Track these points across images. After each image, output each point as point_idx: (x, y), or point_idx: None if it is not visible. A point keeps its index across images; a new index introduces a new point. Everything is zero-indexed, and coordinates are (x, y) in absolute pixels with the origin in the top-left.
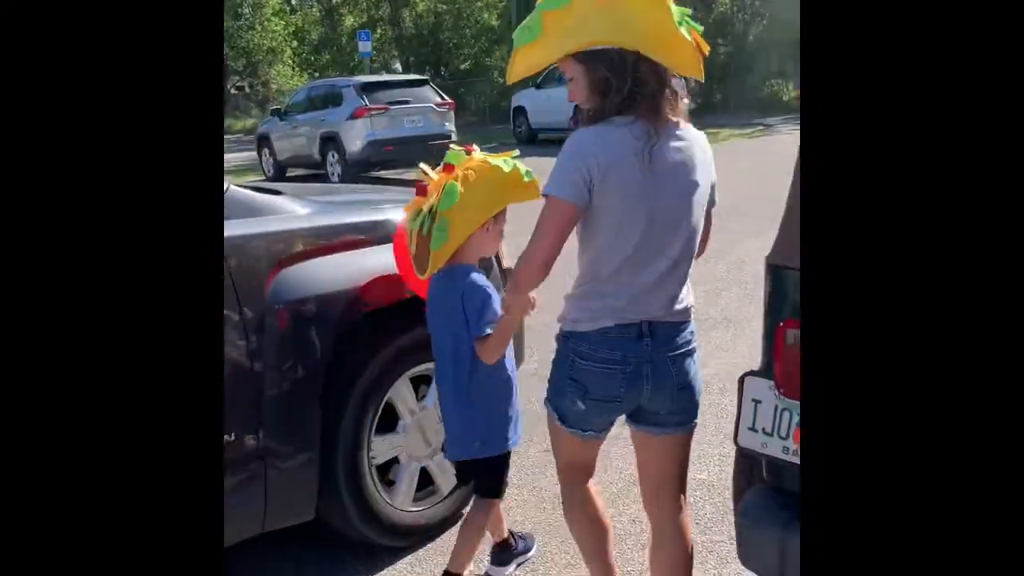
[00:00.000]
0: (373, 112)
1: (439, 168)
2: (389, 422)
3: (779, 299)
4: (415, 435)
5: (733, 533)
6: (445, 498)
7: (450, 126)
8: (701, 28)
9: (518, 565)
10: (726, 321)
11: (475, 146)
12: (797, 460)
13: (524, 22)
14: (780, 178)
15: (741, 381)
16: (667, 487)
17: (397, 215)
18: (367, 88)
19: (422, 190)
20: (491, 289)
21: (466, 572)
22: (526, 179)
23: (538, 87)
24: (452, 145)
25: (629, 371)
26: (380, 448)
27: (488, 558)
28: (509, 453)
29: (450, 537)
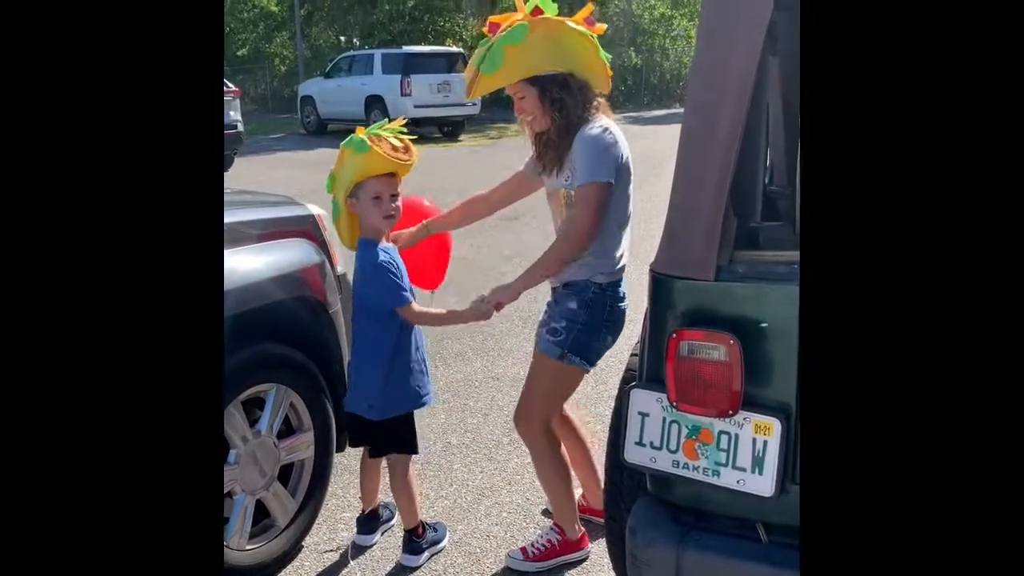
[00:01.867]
0: None
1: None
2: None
3: (663, 309)
4: (249, 465)
5: None
6: (283, 531)
7: (235, 115)
8: (609, 57)
9: (431, 555)
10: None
11: (363, 128)
12: (688, 473)
13: (487, 53)
14: None
15: (626, 394)
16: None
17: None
18: None
19: None
20: (382, 257)
21: (420, 520)
22: (357, 151)
23: (327, 76)
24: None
25: (627, 305)
26: None
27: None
28: (403, 417)
29: (295, 572)
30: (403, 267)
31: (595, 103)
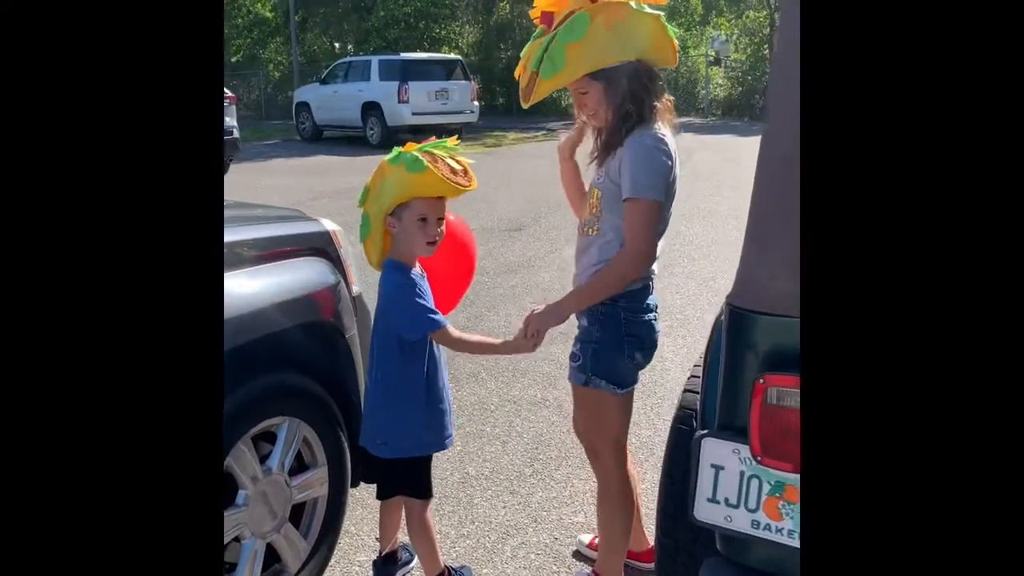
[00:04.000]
0: None
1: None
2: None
3: (743, 348)
4: (259, 507)
5: None
6: None
7: (231, 121)
8: (677, 32)
9: None
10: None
11: (413, 144)
12: (769, 535)
13: (544, 53)
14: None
15: (697, 443)
16: None
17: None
18: None
19: None
20: (408, 280)
21: (444, 566)
22: (411, 170)
23: (323, 82)
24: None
25: (657, 318)
26: None
27: None
28: (419, 459)
29: None
30: (430, 294)
31: (662, 100)
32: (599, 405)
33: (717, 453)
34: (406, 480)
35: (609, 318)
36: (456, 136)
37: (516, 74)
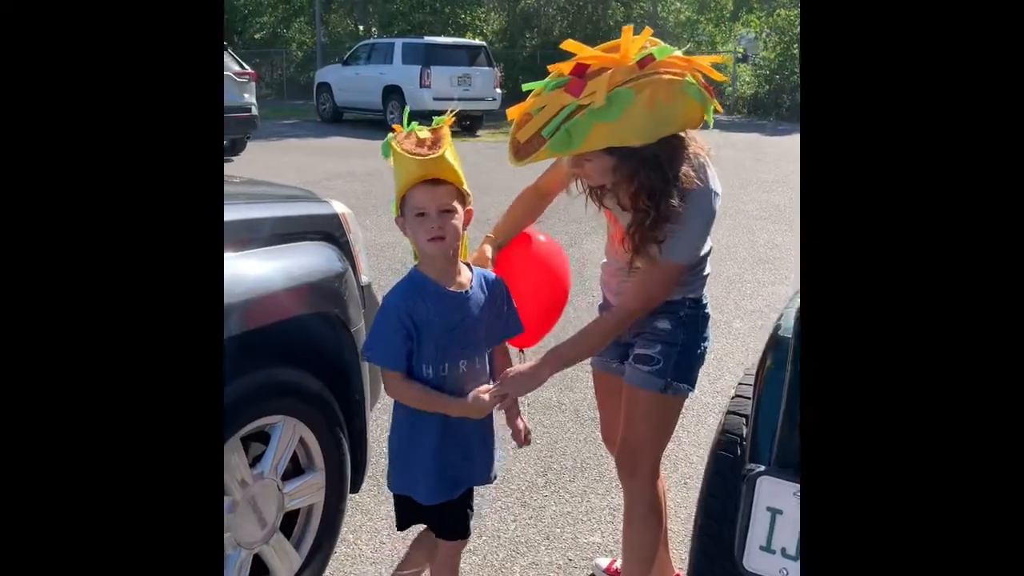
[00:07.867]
0: None
1: None
2: None
3: None
4: (246, 514)
5: None
6: None
7: (250, 98)
8: (716, 113)
9: None
10: None
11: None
12: None
13: (563, 123)
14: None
15: (751, 482)
16: None
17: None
18: None
19: None
20: (392, 297)
21: None
22: (384, 158)
23: (345, 63)
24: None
25: None
26: None
27: None
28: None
29: None
30: (423, 319)
31: (690, 164)
32: (668, 412)
33: (775, 495)
34: (446, 519)
35: (693, 319)
36: (450, 114)
37: (511, 116)
